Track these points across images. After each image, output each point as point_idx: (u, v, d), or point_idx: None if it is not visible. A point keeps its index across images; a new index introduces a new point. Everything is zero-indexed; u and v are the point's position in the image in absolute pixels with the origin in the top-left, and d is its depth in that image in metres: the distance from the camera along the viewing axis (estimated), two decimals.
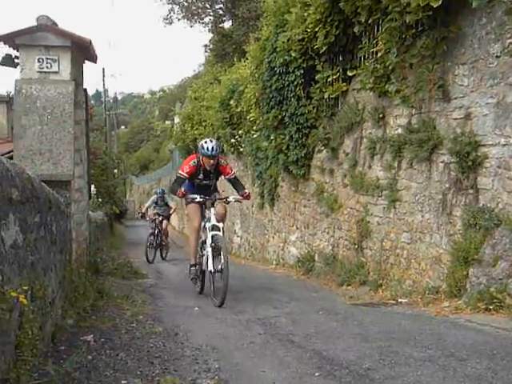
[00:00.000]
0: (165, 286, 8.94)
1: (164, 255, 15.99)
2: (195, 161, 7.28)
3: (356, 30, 8.25)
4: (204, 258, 7.15)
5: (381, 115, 7.98)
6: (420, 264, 7.03)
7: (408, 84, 7.18)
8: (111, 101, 52.37)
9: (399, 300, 6.61)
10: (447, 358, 3.64)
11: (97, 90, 58.40)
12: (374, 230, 8.16)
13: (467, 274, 5.96)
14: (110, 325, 4.95)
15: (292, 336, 4.56)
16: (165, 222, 15.91)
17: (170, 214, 16.54)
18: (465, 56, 6.35)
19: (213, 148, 7.01)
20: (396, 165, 7.59)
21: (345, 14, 8.40)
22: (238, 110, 14.94)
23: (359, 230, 8.50)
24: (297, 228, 11.66)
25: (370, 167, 8.37)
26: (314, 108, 9.97)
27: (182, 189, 7.00)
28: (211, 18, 31.27)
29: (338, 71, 9.16)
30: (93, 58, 8.01)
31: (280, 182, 12.60)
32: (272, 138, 11.38)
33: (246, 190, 7.54)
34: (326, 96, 9.41)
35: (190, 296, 7.48)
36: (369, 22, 7.79)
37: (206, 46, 33.88)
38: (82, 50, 7.50)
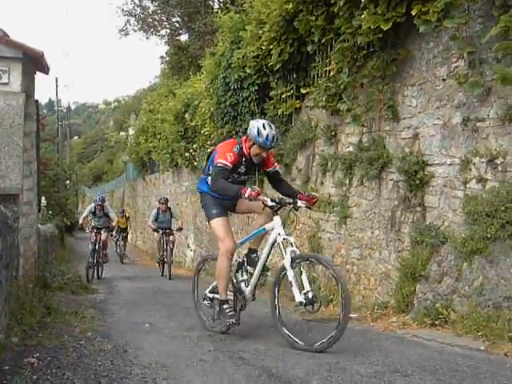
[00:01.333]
0: (116, 302, 8.81)
1: (100, 273, 13.66)
2: (238, 147, 5.29)
3: (309, 48, 8.42)
4: (244, 284, 5.59)
5: (333, 133, 8.14)
6: (369, 280, 7.16)
7: (359, 103, 7.36)
8: (64, 110, 51.45)
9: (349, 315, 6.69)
10: (392, 373, 3.72)
11: (50, 99, 57.48)
12: (326, 246, 8.27)
13: (414, 289, 6.11)
14: (58, 342, 4.84)
15: (242, 353, 4.57)
16: (104, 234, 13.65)
17: (112, 228, 14.47)
18: (413, 78, 6.56)
19: (273, 137, 5.15)
20: (347, 182, 7.74)
21: (299, 33, 8.56)
22: (193, 123, 14.94)
23: (311, 246, 8.60)
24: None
25: (322, 184, 8.50)
26: None
27: (249, 189, 4.90)
28: (167, 30, 31.20)
29: (292, 88, 9.29)
30: (45, 70, 7.90)
31: None
32: None
33: (313, 193, 5.79)
34: (279, 112, 9.53)
35: (141, 312, 7.40)
36: (322, 41, 7.97)
37: (162, 57, 33.78)
38: (33, 61, 7.40)
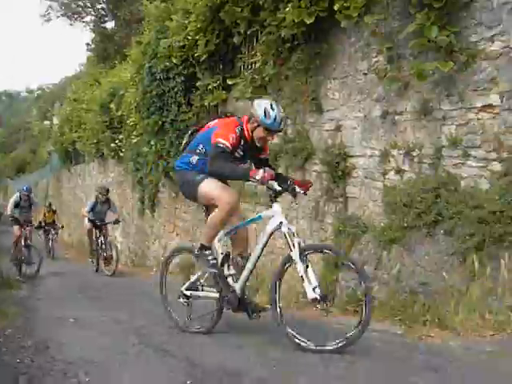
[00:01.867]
0: (41, 297, 8.56)
1: (25, 271, 12.12)
2: (240, 129, 4.68)
3: (236, 40, 8.44)
4: (232, 279, 4.85)
5: None
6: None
7: (284, 95, 7.46)
8: None
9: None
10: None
11: None
12: (252, 236, 8.33)
13: (337, 278, 6.29)
14: None
15: (166, 345, 4.56)
16: (28, 228, 12.58)
17: (33, 223, 13.38)
18: (336, 71, 6.71)
19: (281, 119, 4.61)
20: None
21: (225, 24, 8.55)
22: (119, 114, 14.67)
23: None
24: (177, 234, 11.64)
25: None
26: (194, 115, 10.03)
27: (261, 170, 4.29)
28: (92, 17, 30.43)
29: (218, 79, 9.29)
30: None
31: (161, 187, 12.52)
32: (152, 143, 11.28)
33: (306, 179, 5.63)
34: (206, 103, 9.51)
35: (66, 307, 7.22)
36: (248, 33, 8.02)
37: (88, 44, 32.88)
38: None
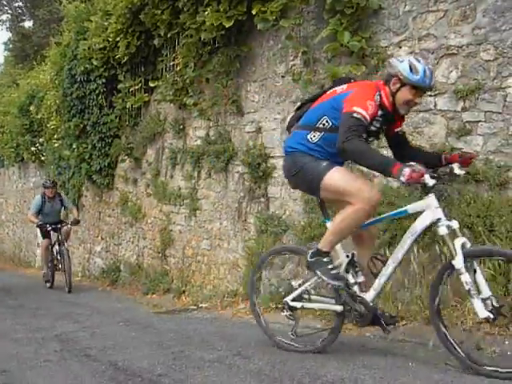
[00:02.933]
0: None
1: None
2: (379, 95, 3.67)
3: (156, 42, 8.44)
4: (359, 288, 3.83)
5: (181, 126, 8.25)
6: (219, 269, 7.39)
7: (205, 98, 7.55)
8: None
9: (200, 305, 6.88)
10: (234, 356, 3.92)
11: None
12: (177, 238, 8.38)
13: (260, 276, 6.41)
14: None
15: (89, 350, 4.53)
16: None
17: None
18: (255, 74, 6.85)
19: (431, 73, 3.68)
20: (196, 175, 7.90)
21: (146, 26, 8.52)
22: (39, 116, 14.23)
23: (162, 239, 8.67)
24: (102, 238, 11.47)
25: (171, 177, 8.58)
26: (116, 117, 9.94)
27: (407, 168, 3.26)
28: (9, 15, 29.33)
29: (140, 81, 9.24)
30: None
31: (84, 191, 12.29)
32: (74, 146, 11.07)
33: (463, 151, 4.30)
34: (128, 106, 9.43)
35: None
36: (168, 35, 8.02)
37: (5, 43, 31.65)
38: None
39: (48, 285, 10.13)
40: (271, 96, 6.61)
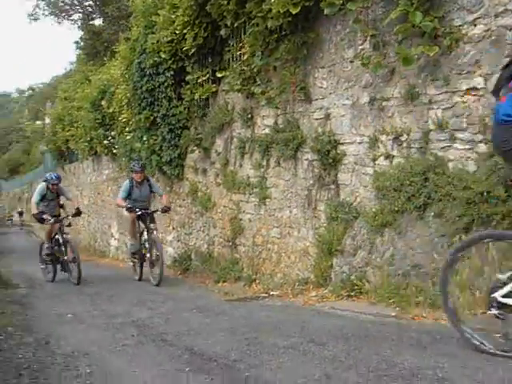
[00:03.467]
0: (38, 295, 8.62)
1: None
2: None
3: (223, 32, 8.46)
4: None
5: (249, 116, 8.27)
6: (290, 257, 7.39)
7: (273, 86, 7.52)
8: None
9: (271, 293, 6.91)
10: (308, 343, 3.92)
11: None
12: (247, 227, 8.44)
13: (331, 264, 6.37)
14: None
15: (165, 335, 4.65)
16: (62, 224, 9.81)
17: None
18: (323, 60, 6.77)
19: None
20: (265, 163, 7.91)
21: (212, 17, 8.58)
22: (110, 110, 14.67)
23: (232, 228, 8.74)
24: (173, 228, 11.71)
25: (240, 166, 8.63)
26: (185, 109, 10.08)
27: None
28: (80, 14, 30.34)
29: (208, 72, 9.34)
30: None
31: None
32: (145, 138, 11.34)
33: None
34: (196, 97, 9.55)
35: (63, 303, 7.31)
36: (235, 25, 8.05)
37: (76, 42, 32.79)
38: None
39: (137, 263, 9.57)
40: (339, 82, 6.51)
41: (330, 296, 6.04)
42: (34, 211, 9.81)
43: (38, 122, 48.89)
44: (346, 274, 6.03)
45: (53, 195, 10.01)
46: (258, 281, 7.85)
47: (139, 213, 9.19)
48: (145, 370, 3.68)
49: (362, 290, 5.71)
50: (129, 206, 9.20)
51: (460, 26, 5.05)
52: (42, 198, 9.85)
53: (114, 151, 15.59)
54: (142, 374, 3.59)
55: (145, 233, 9.21)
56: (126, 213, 10.10)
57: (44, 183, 9.95)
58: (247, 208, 8.44)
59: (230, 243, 8.87)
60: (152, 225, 9.11)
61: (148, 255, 9.07)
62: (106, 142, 15.94)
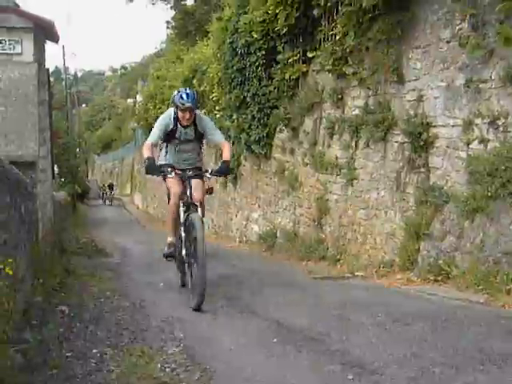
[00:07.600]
0: (131, 264, 9.10)
1: None
2: None
3: (315, 12, 8.44)
4: None
5: (339, 96, 8.25)
6: (375, 239, 7.37)
7: (365, 66, 7.47)
8: (71, 78, 51.38)
9: (356, 273, 6.94)
10: (394, 323, 3.97)
11: (56, 67, 56.99)
12: (333, 208, 8.48)
13: (419, 247, 6.33)
14: (79, 300, 5.14)
15: (253, 307, 4.83)
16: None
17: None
18: (418, 40, 6.64)
19: None
20: (354, 144, 7.89)
21: None
22: (201, 89, 15.03)
23: (318, 208, 8.81)
24: (259, 206, 11.92)
25: (329, 146, 8.65)
26: (275, 88, 10.17)
27: None
28: None
29: (299, 52, 9.35)
30: (54, 39, 8.03)
31: (242, 161, 12.81)
32: (234, 117, 11.56)
33: None
34: (286, 77, 9.61)
35: (155, 272, 7.67)
36: (328, 4, 8.01)
37: (168, 22, 33.57)
38: (43, 31, 7.53)
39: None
40: (434, 63, 6.37)
41: (416, 279, 6.01)
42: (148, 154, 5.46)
43: (129, 100, 50.65)
44: (433, 258, 5.97)
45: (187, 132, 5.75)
46: (342, 261, 7.89)
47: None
48: (232, 338, 3.87)
49: (450, 276, 5.64)
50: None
51: None
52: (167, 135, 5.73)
53: None
54: (230, 341, 3.78)
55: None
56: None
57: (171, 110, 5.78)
58: (334, 188, 8.47)
59: (316, 223, 8.94)
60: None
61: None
62: None
